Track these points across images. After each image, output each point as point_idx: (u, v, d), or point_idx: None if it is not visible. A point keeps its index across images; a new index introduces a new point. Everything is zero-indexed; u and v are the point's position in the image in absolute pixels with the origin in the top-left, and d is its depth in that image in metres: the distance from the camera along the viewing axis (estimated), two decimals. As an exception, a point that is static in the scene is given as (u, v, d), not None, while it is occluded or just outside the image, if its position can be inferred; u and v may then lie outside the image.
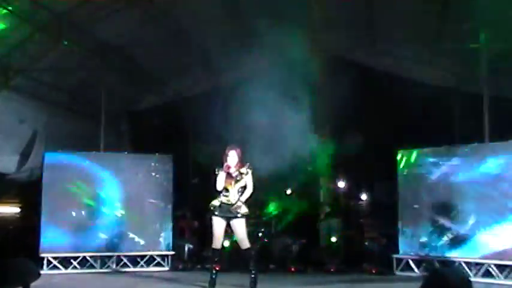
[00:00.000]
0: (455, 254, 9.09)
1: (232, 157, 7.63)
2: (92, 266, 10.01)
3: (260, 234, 10.81)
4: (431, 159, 9.60)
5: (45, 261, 9.70)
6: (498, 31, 9.04)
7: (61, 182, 10.03)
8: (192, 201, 11.86)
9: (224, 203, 7.53)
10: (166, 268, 10.29)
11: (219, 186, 7.59)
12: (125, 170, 10.42)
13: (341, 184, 12.01)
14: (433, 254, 9.32)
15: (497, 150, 8.86)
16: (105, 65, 10.92)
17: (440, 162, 9.45)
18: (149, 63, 11.79)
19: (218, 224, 7.56)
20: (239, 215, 7.50)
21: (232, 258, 9.79)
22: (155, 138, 12.18)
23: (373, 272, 9.66)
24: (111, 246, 10.13)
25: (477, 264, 8.89)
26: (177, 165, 10.67)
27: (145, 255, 10.30)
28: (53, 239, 9.85)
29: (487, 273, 8.75)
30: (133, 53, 11.32)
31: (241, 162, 7.66)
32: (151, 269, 10.21)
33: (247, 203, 7.61)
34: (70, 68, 11.03)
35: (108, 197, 10.24)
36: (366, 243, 10.55)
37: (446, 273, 4.09)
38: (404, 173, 9.92)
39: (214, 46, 10.91)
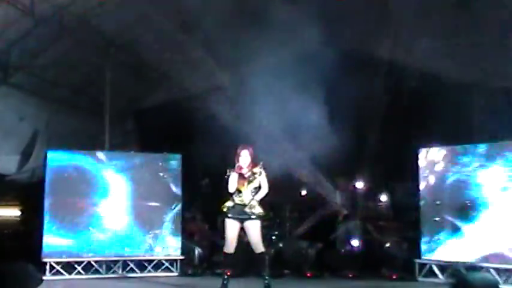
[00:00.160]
0: (481, 259, 8.96)
1: (245, 157, 7.59)
2: (96, 271, 9.98)
3: (274, 238, 10.75)
4: (454, 158, 9.47)
5: (47, 267, 9.67)
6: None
7: (64, 183, 9.99)
8: (201, 203, 11.82)
9: (238, 204, 7.49)
10: (175, 273, 10.25)
11: (231, 188, 7.55)
12: (131, 170, 10.37)
13: (359, 184, 11.92)
14: (458, 259, 9.19)
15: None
16: (110, 60, 10.91)
17: (464, 161, 9.32)
18: (155, 58, 11.75)
19: (231, 226, 7.50)
20: (253, 216, 7.45)
21: (245, 263, 9.72)
22: (163, 137, 12.15)
23: (394, 277, 9.56)
24: (117, 250, 10.10)
25: (506, 270, 8.74)
26: (186, 165, 10.63)
27: (153, 260, 10.26)
28: (56, 242, 9.81)
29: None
30: (139, 48, 11.29)
31: (254, 162, 7.61)
32: (160, 274, 10.18)
33: (261, 204, 7.57)
34: (72, 63, 11.02)
35: (114, 199, 10.20)
36: (386, 247, 10.40)
37: (473, 279, 3.99)
38: (426, 173, 9.81)
39: (225, 39, 10.86)
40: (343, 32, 10.75)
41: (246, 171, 7.54)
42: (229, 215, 7.50)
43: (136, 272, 10.13)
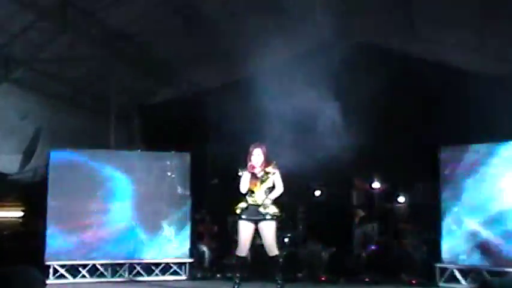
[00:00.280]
0: (507, 263, 8.82)
1: (257, 156, 7.54)
2: (102, 275, 9.94)
3: (286, 240, 10.69)
4: (477, 158, 9.34)
5: (51, 270, 9.64)
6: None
7: (68, 183, 9.94)
8: (211, 204, 11.76)
9: (251, 204, 7.44)
10: (184, 277, 10.20)
11: (243, 188, 7.50)
12: (137, 170, 10.32)
13: (376, 185, 11.84)
14: (481, 263, 9.08)
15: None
16: (115, 55, 10.87)
17: (489, 161, 9.21)
18: (163, 52, 11.71)
19: (245, 228, 7.44)
20: (268, 217, 7.40)
21: (255, 266, 9.64)
22: (170, 135, 12.12)
23: (413, 282, 9.45)
24: (123, 252, 10.05)
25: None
26: (194, 164, 10.56)
27: (160, 263, 10.21)
28: (60, 245, 9.78)
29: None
30: (146, 42, 11.24)
31: (267, 161, 7.56)
32: (167, 277, 10.12)
33: (276, 203, 7.52)
34: (76, 58, 10.99)
35: (120, 199, 10.15)
36: (405, 250, 10.29)
37: (497, 285, 3.91)
38: (447, 172, 9.69)
39: (237, 32, 10.79)
40: (360, 23, 10.68)
41: (258, 171, 7.49)
42: (243, 217, 7.44)
43: (143, 276, 10.08)
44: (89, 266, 9.89)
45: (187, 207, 10.42)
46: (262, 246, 7.66)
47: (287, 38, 9.82)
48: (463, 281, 9.22)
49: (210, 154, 12.39)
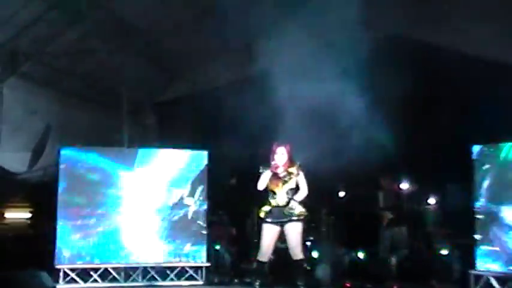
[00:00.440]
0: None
1: (281, 155, 7.53)
2: (114, 279, 9.90)
3: (308, 244, 10.62)
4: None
5: (61, 274, 9.58)
6: None
7: (79, 183, 9.91)
8: (229, 205, 11.72)
9: (275, 206, 7.39)
10: (201, 282, 10.12)
11: (261, 185, 7.49)
12: (151, 169, 10.26)
13: (404, 185, 11.73)
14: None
15: None
16: (128, 49, 10.87)
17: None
18: (179, 45, 11.66)
19: (269, 232, 7.41)
20: (294, 218, 7.36)
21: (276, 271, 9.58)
22: (186, 132, 12.09)
23: (445, 290, 9.41)
24: (137, 256, 10.00)
25: None
26: (212, 163, 10.48)
27: (175, 267, 10.15)
28: (70, 248, 9.74)
29: None
30: (160, 35, 11.22)
31: (291, 161, 7.52)
32: (183, 282, 10.07)
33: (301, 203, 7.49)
34: (87, 51, 10.98)
35: (133, 200, 10.10)
36: (436, 256, 10.20)
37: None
38: (482, 172, 9.55)
39: (255, 25, 10.73)
40: (386, 14, 10.59)
41: (281, 171, 7.46)
42: (268, 220, 7.40)
43: (158, 281, 10.03)
44: (101, 270, 9.85)
45: (204, 209, 10.30)
46: (284, 249, 7.64)
47: (307, 31, 9.76)
48: (499, 289, 9.10)
49: (229, 152, 12.33)
